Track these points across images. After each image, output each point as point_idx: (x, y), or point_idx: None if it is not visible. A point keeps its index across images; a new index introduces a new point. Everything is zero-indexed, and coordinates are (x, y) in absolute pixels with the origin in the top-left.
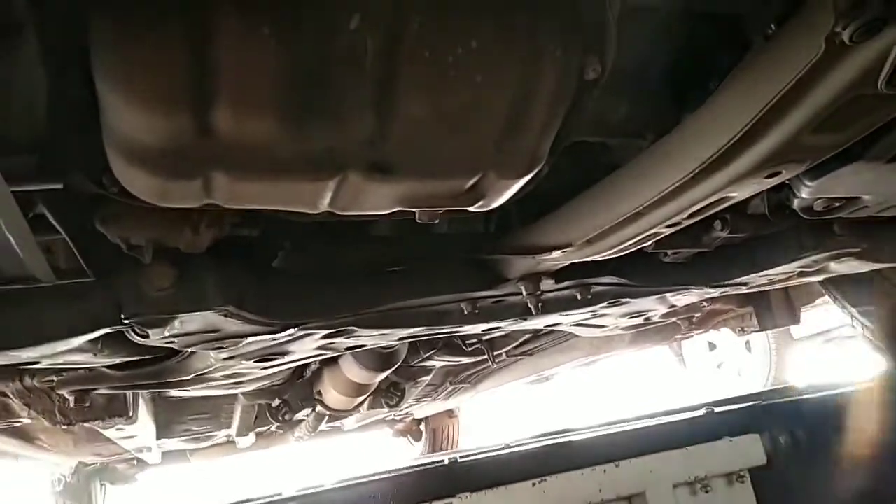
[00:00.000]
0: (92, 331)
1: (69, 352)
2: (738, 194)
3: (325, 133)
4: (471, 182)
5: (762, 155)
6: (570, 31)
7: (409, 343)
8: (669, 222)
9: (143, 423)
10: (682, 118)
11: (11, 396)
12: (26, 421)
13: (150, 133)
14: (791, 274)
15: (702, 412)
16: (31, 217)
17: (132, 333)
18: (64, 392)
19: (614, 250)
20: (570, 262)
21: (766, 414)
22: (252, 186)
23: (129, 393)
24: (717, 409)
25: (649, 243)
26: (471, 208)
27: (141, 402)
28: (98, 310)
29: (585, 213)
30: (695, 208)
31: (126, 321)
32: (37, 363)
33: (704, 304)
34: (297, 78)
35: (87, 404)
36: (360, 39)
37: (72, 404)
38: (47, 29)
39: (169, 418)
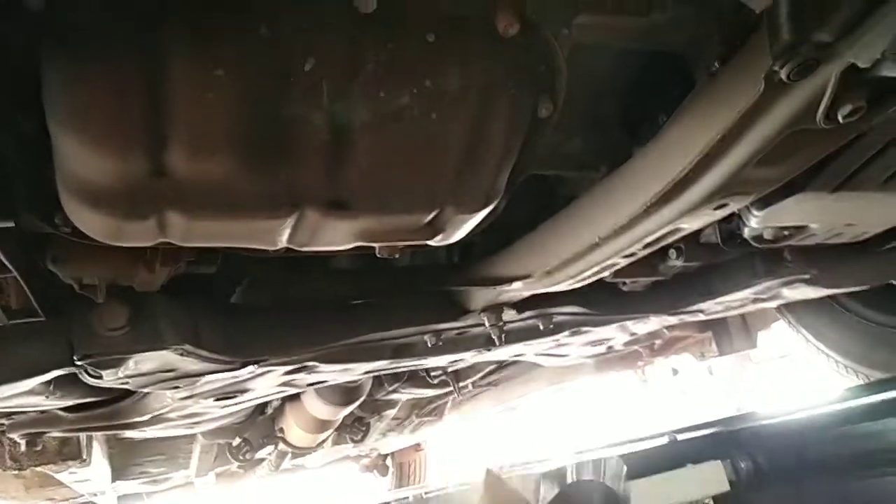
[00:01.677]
0: (43, 373)
1: (20, 395)
2: (689, 226)
3: (282, 171)
4: (429, 217)
5: (709, 188)
6: (522, 71)
7: (374, 376)
8: (625, 253)
9: (98, 465)
10: (633, 151)
11: None
12: None
13: (103, 174)
14: (746, 301)
15: (665, 440)
16: None
17: (85, 374)
18: (15, 436)
19: (573, 280)
20: (531, 292)
21: (728, 440)
22: (208, 225)
23: (83, 435)
24: (679, 437)
25: (607, 273)
26: (430, 242)
27: (95, 444)
28: (50, 351)
29: (544, 245)
30: (649, 239)
31: (78, 362)
32: None
33: (665, 330)
34: (252, 118)
35: (39, 448)
36: (315, 81)
37: (23, 448)
38: None
39: (124, 461)
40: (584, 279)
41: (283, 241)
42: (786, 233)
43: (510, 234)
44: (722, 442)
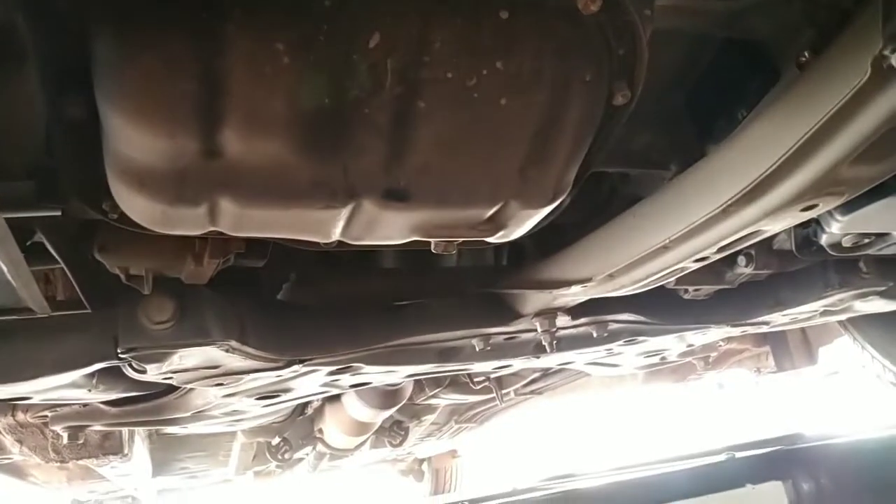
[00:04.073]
0: (87, 365)
1: (63, 387)
2: (770, 228)
3: (339, 157)
4: (491, 211)
5: (798, 187)
6: (600, 54)
7: (415, 380)
8: (697, 257)
9: (139, 460)
10: (706, 149)
11: (3, 432)
12: (18, 457)
13: (153, 155)
14: (814, 313)
15: (722, 457)
16: (28, 245)
17: (129, 368)
18: (57, 428)
19: (637, 285)
20: (587, 297)
21: (789, 460)
22: (260, 214)
23: (125, 430)
24: (738, 454)
25: (672, 279)
26: (490, 239)
27: (137, 439)
28: (94, 343)
29: (607, 246)
30: (725, 242)
31: (122, 356)
32: (29, 398)
33: (721, 343)
34: (310, 97)
35: (82, 441)
36: (378, 59)
37: (65, 441)
38: (47, 51)
39: (165, 456)
40: (648, 284)
41: (336, 233)
42: (866, 240)
43: (563, 235)
44: (782, 461)
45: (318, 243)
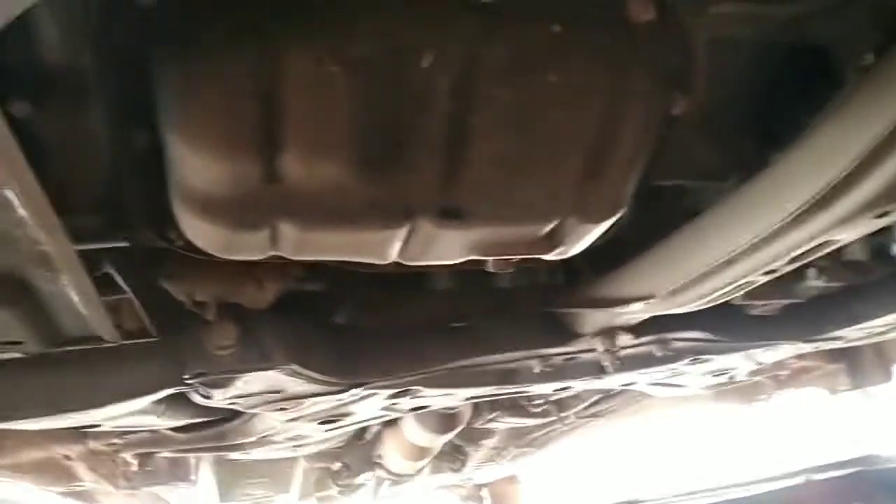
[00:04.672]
0: (155, 392)
1: (132, 414)
2: (843, 237)
3: (396, 177)
4: (549, 227)
5: (870, 193)
6: (655, 63)
7: (473, 404)
8: (765, 270)
9: (206, 487)
10: (769, 158)
11: (76, 460)
12: (90, 485)
13: (216, 182)
14: (890, 327)
15: (800, 479)
16: (96, 277)
17: (195, 394)
18: (128, 455)
19: (702, 301)
20: (650, 315)
21: (869, 483)
22: (320, 237)
23: (192, 456)
24: (814, 477)
25: (739, 294)
26: (547, 256)
27: (203, 466)
28: (161, 370)
29: (671, 261)
30: (795, 253)
31: (189, 381)
32: (99, 426)
33: (793, 360)
34: (366, 119)
35: (151, 468)
36: (432, 78)
37: (135, 468)
38: (112, 86)
39: (230, 482)
40: (713, 300)
41: (393, 254)
42: None
43: (619, 253)
44: (862, 484)
45: (375, 264)
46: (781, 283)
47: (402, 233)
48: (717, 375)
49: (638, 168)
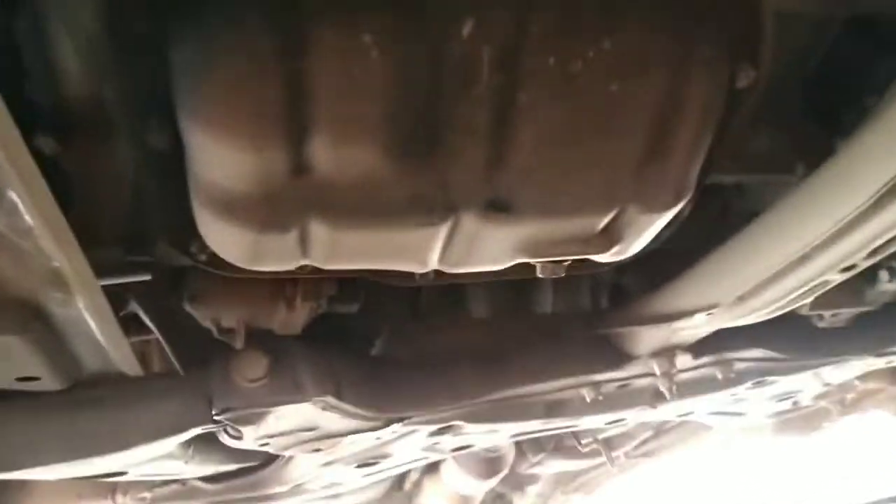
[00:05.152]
0: (182, 431)
1: (159, 458)
2: None
3: (436, 166)
4: (606, 220)
5: None
6: (720, 29)
7: (517, 446)
8: (844, 265)
9: None
10: (834, 145)
11: None
12: None
13: (240, 175)
14: None
15: None
16: (121, 317)
17: (225, 434)
18: None
19: (771, 308)
20: (712, 329)
21: None
22: (354, 238)
23: None
24: None
25: (812, 297)
26: (604, 257)
27: None
28: (188, 407)
29: (735, 265)
30: (875, 244)
31: (217, 417)
32: (124, 473)
33: (857, 381)
34: (402, 96)
35: None
36: (473, 49)
37: None
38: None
39: None
40: (785, 305)
41: (434, 259)
42: None
43: (670, 266)
44: None
45: (413, 276)
46: (851, 289)
47: (443, 231)
48: (782, 400)
49: (702, 149)
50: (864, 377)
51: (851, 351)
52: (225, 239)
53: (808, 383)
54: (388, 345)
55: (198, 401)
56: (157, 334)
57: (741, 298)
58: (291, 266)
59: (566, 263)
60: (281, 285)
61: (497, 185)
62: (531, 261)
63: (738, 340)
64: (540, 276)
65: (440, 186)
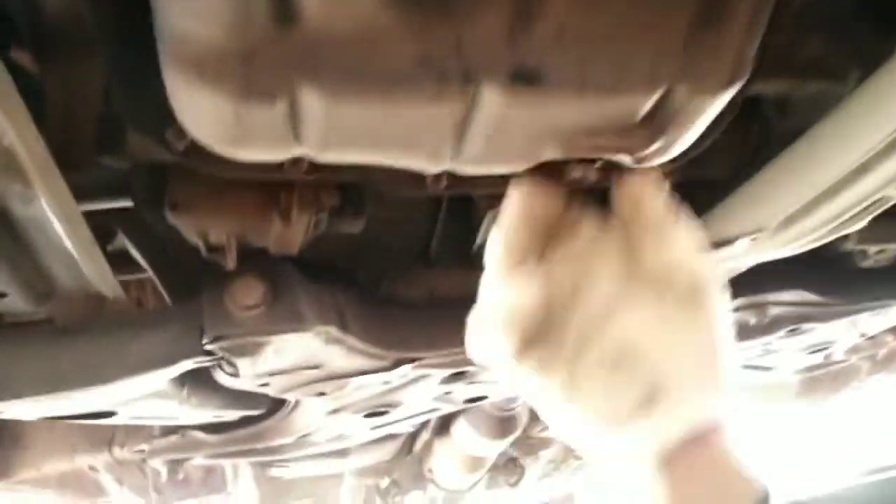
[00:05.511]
0: (171, 363)
1: (150, 397)
2: None
3: (450, 22)
4: (650, 102)
5: None
6: None
7: (530, 409)
8: None
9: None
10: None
11: (101, 471)
12: (118, 499)
13: (214, 23)
14: None
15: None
16: (109, 254)
17: (220, 371)
18: (156, 463)
19: (822, 232)
20: (752, 263)
21: None
22: (352, 113)
23: (228, 465)
24: None
25: (865, 220)
26: (644, 153)
27: (242, 479)
28: (178, 339)
29: (785, 182)
30: None
31: (209, 347)
32: (114, 413)
33: (889, 336)
34: None
35: (182, 477)
36: None
37: (165, 477)
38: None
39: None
40: (837, 229)
41: (447, 151)
42: None
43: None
44: None
45: (424, 183)
46: None
47: (459, 109)
48: (814, 352)
49: (762, 17)
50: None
51: (891, 296)
52: (201, 113)
53: (844, 332)
54: (394, 286)
55: (189, 332)
56: (144, 265)
57: (790, 219)
58: (283, 154)
59: (598, 166)
60: (274, 194)
61: (524, 50)
62: (560, 157)
63: (775, 281)
64: (569, 182)
65: (455, 48)
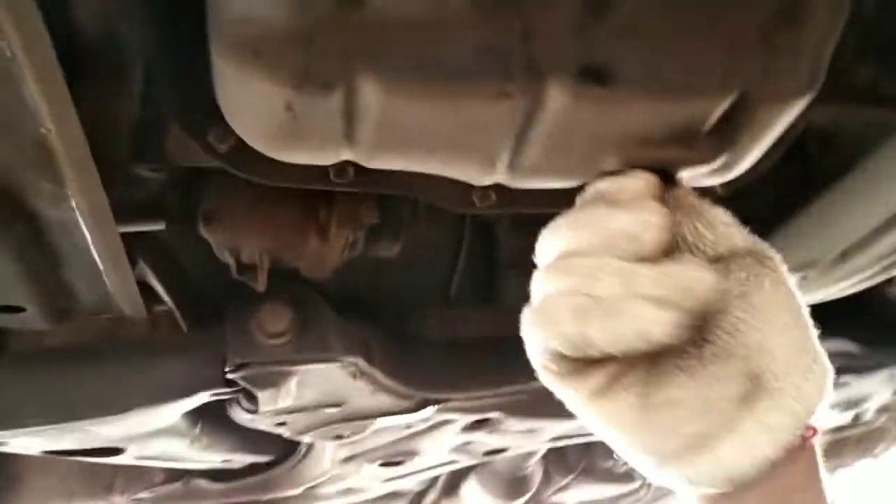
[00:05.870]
0: (189, 394)
1: (161, 434)
2: None
3: (520, 7)
4: (721, 108)
5: None
6: None
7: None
8: None
9: None
10: None
11: None
12: None
13: (273, 3)
14: None
15: None
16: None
17: (238, 407)
18: None
19: (876, 269)
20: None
21: None
22: (409, 109)
23: None
24: None
25: None
26: (706, 169)
27: None
28: (197, 368)
29: (843, 212)
30: None
31: (231, 375)
32: (122, 451)
33: None
34: None
35: None
36: None
37: None
38: None
39: None
40: (889, 266)
41: (503, 157)
42: None
43: None
44: None
45: (470, 200)
46: None
47: (521, 109)
48: (846, 410)
49: (838, 23)
50: None
51: None
52: (251, 104)
53: (880, 387)
54: (419, 325)
55: (210, 360)
56: (164, 295)
57: (844, 255)
58: (332, 156)
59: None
60: (313, 209)
61: (593, 44)
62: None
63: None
64: None
65: (522, 37)
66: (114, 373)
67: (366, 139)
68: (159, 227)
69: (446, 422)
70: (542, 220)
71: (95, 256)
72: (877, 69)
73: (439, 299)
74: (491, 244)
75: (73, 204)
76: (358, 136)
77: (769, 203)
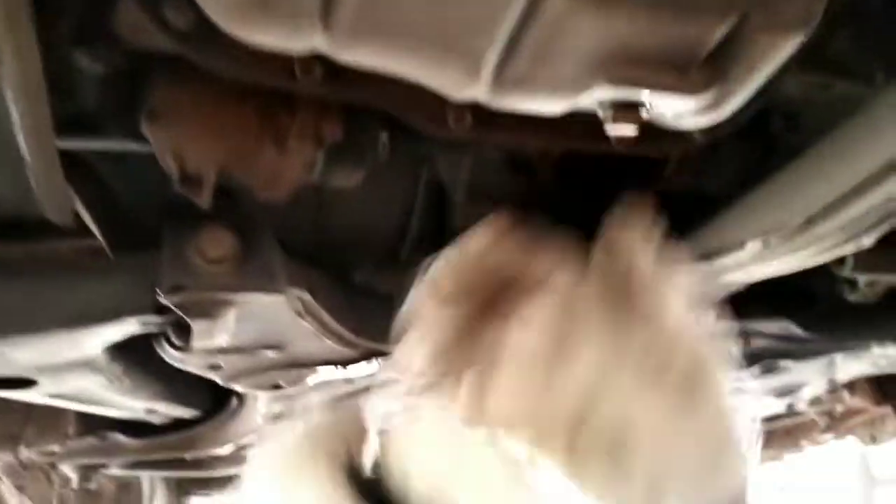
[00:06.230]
0: (115, 318)
1: (78, 367)
2: None
3: None
4: (721, 31)
5: None
6: None
7: None
8: None
9: None
10: None
11: (2, 476)
12: None
13: None
14: None
15: None
16: None
17: (167, 345)
18: (67, 468)
19: (839, 239)
20: (757, 275)
21: None
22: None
23: (146, 482)
24: None
25: (885, 226)
26: (694, 100)
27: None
28: (126, 290)
29: (809, 180)
30: None
31: (165, 298)
32: (34, 382)
33: (846, 394)
34: None
35: (93, 488)
36: None
37: (74, 485)
38: None
39: None
40: (856, 234)
41: (490, 61)
42: None
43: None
44: None
45: (445, 120)
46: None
47: (517, 9)
48: (782, 396)
49: None
50: (853, 389)
51: (875, 335)
52: None
53: (816, 376)
54: (367, 277)
55: (140, 284)
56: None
57: (809, 221)
58: (303, 41)
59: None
60: (272, 116)
61: None
62: (606, 95)
63: (761, 308)
64: (610, 129)
65: None
66: (32, 289)
67: (343, 19)
68: (95, 145)
69: (387, 383)
70: (498, 192)
71: (20, 139)
72: (851, 42)
73: (388, 262)
74: (444, 211)
75: (1, 71)
76: (335, 14)
77: (729, 181)
